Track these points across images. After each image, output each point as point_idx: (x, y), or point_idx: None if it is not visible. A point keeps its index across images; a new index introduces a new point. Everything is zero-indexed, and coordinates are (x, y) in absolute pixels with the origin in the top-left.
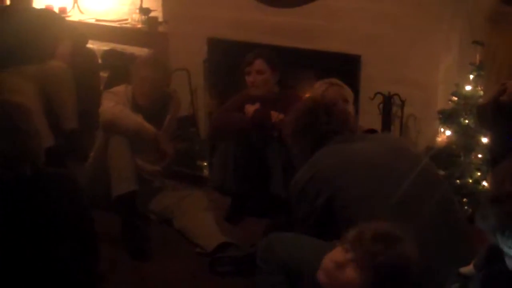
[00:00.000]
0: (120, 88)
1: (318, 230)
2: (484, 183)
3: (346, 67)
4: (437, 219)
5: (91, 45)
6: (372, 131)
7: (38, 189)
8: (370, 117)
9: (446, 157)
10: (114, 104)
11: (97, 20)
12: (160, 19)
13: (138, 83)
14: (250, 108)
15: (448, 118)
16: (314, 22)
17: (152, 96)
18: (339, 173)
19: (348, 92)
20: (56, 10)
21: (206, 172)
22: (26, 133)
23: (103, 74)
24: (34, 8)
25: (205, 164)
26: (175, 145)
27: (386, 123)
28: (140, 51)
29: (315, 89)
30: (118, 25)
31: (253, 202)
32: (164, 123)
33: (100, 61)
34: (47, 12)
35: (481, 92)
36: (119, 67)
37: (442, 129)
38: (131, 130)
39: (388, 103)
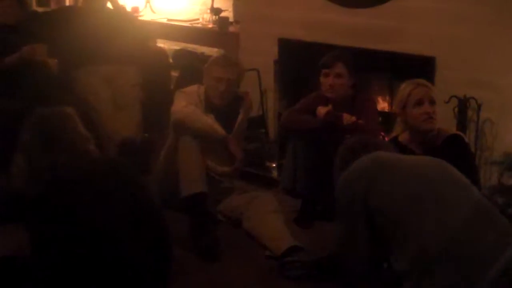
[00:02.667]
0: (192, 88)
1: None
2: None
3: (420, 69)
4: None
5: (162, 44)
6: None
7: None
8: (444, 121)
9: None
10: (186, 104)
11: (168, 20)
12: (231, 19)
13: (211, 83)
14: (322, 110)
15: None
16: (388, 22)
17: (224, 96)
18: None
19: (435, 93)
20: (129, 9)
21: (275, 173)
22: (69, 142)
23: (174, 74)
24: (108, 8)
25: (274, 165)
26: (244, 146)
27: (461, 128)
28: (210, 51)
29: (402, 90)
30: (189, 25)
31: (323, 205)
32: (235, 125)
33: (171, 60)
34: (121, 12)
35: None
36: (189, 67)
37: None
38: (202, 131)
39: (463, 106)
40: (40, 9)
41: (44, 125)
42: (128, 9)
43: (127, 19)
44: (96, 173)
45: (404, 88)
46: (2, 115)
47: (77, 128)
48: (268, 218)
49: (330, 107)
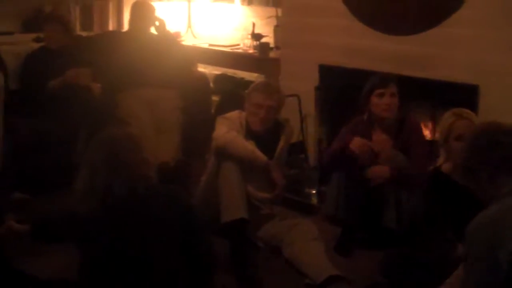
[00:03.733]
0: (234, 114)
1: None
2: None
3: (463, 97)
4: None
5: (203, 69)
6: None
7: (150, 206)
8: None
9: None
10: (227, 130)
11: (210, 45)
12: (272, 45)
13: (251, 109)
14: (357, 143)
15: None
16: (430, 50)
17: (265, 123)
18: None
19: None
20: None
21: (315, 200)
22: (133, 165)
23: (214, 98)
24: (151, 33)
25: (314, 192)
26: (284, 171)
27: None
28: (251, 76)
29: (443, 120)
30: (230, 50)
31: (363, 233)
32: (275, 151)
33: (211, 85)
34: (164, 37)
35: None
36: (230, 92)
37: None
38: (243, 158)
39: None
40: (84, 34)
41: (112, 145)
42: None
43: (170, 43)
44: (151, 198)
45: (446, 119)
46: (47, 137)
47: (141, 152)
48: (309, 246)
49: (366, 142)
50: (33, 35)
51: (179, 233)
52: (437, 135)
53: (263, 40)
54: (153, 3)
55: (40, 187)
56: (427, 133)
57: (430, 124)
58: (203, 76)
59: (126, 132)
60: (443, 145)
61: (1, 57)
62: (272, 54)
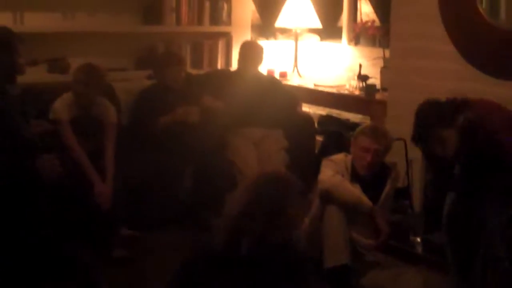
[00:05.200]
0: (340, 157)
1: None
2: None
3: None
4: None
5: (308, 109)
6: None
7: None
8: None
9: None
10: (333, 173)
11: (315, 85)
12: (378, 87)
13: (358, 153)
14: None
15: None
16: None
17: (371, 167)
18: None
19: None
20: (277, 74)
21: (419, 248)
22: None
23: (319, 139)
24: (259, 73)
25: (419, 240)
26: (389, 218)
27: None
28: (356, 117)
29: None
30: (336, 91)
31: None
32: (381, 196)
33: (316, 125)
34: (272, 78)
35: None
36: (334, 133)
37: None
38: (348, 202)
39: None
40: (193, 71)
41: (283, 191)
42: (277, 74)
43: (276, 84)
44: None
45: None
46: (157, 172)
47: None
48: None
49: None
50: (146, 72)
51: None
52: None
53: (370, 81)
54: (261, 42)
55: (147, 222)
56: None
57: None
58: (308, 117)
59: (284, 175)
60: None
61: (114, 93)
62: (378, 96)
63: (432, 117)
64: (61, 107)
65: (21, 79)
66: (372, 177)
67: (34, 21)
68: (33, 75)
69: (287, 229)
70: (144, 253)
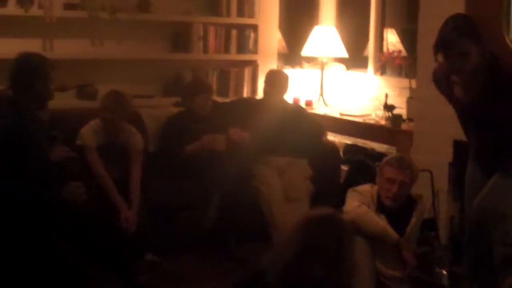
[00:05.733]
0: (365, 188)
1: None
2: None
3: None
4: None
5: (333, 137)
6: None
7: None
8: None
9: None
10: (359, 204)
11: (341, 114)
12: (404, 117)
13: (383, 184)
14: None
15: None
16: None
17: (397, 198)
18: None
19: None
20: (303, 102)
21: (445, 281)
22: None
23: (344, 168)
24: (285, 101)
25: (445, 272)
26: (415, 250)
27: None
28: (381, 147)
29: None
30: (362, 121)
31: None
32: (406, 227)
33: (341, 154)
34: (297, 106)
35: None
36: (359, 162)
37: None
38: (374, 233)
39: None
40: (219, 99)
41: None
42: (302, 102)
43: (302, 112)
44: None
45: None
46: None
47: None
48: None
49: None
50: (173, 99)
51: None
52: None
53: (396, 111)
54: (287, 71)
55: (170, 248)
56: None
57: None
58: (333, 145)
59: (336, 216)
60: None
61: (141, 119)
62: (404, 126)
63: (460, 28)
64: (89, 133)
65: (49, 104)
66: (398, 208)
67: (63, 48)
68: (62, 100)
69: (347, 273)
70: (165, 278)
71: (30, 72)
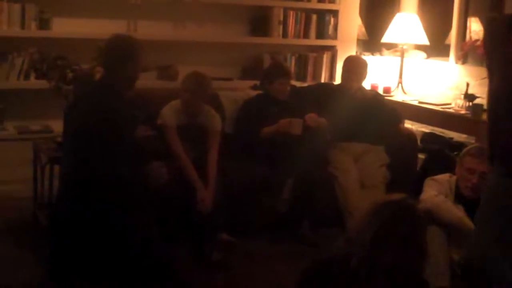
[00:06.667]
0: (444, 177)
1: None
2: None
3: None
4: None
5: (410, 125)
6: None
7: None
8: None
9: None
10: (436, 193)
11: (419, 102)
12: (485, 107)
13: (463, 174)
14: None
15: None
16: None
17: (477, 189)
18: None
19: None
20: (381, 89)
21: None
22: None
23: (421, 156)
24: (363, 88)
25: None
26: None
27: None
28: (460, 137)
29: None
30: (441, 109)
31: None
32: None
33: (418, 143)
34: (375, 93)
35: None
36: (437, 151)
37: None
38: (450, 223)
39: None
40: (297, 84)
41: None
42: (380, 89)
43: (380, 99)
44: None
45: None
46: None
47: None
48: None
49: None
50: (251, 82)
51: None
52: None
53: (476, 101)
54: (366, 57)
55: (243, 229)
56: None
57: None
58: (410, 133)
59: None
60: None
61: (220, 101)
62: (484, 117)
63: None
64: (169, 113)
65: None
66: (476, 199)
67: (146, 29)
68: (143, 81)
69: (419, 260)
70: (237, 258)
71: (123, 54)
